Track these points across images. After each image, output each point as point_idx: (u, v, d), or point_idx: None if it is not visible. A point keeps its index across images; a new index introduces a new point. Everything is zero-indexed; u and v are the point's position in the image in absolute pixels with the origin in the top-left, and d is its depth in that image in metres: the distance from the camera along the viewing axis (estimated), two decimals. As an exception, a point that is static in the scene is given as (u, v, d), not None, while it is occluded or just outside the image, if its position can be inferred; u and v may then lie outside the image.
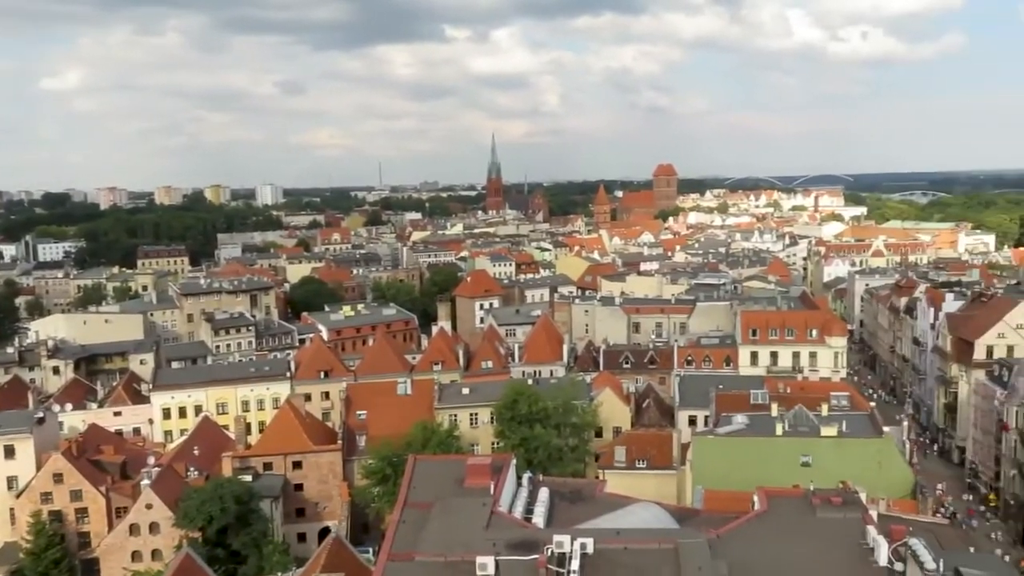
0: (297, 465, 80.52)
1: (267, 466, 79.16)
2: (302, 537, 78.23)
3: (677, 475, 72.53)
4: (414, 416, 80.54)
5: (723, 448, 65.94)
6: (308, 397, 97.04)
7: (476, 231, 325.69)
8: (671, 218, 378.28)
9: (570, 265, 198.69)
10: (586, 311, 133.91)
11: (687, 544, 36.29)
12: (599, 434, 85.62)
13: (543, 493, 45.42)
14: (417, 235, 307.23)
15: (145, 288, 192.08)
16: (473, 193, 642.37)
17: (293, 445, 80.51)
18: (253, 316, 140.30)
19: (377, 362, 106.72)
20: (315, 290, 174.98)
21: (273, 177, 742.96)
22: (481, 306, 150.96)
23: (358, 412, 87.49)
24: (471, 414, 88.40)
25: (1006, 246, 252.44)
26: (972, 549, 67.56)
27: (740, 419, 70.85)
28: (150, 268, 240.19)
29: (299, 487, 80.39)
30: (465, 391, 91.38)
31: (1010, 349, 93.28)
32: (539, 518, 42.00)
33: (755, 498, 44.67)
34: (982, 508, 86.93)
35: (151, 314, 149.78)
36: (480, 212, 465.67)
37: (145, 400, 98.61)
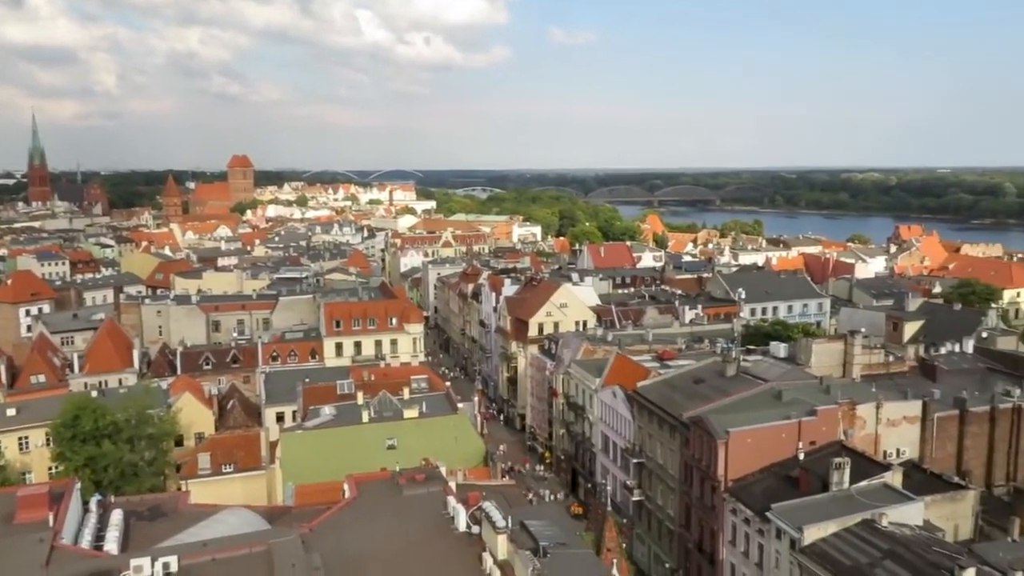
0: None
1: None
2: None
3: (267, 474, 70.98)
4: (-59, 449, 67.06)
5: (312, 441, 66.06)
6: None
7: (16, 226, 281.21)
8: (249, 211, 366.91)
9: (137, 262, 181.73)
10: (159, 312, 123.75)
11: (279, 544, 35.65)
12: (180, 443, 79.96)
13: (116, 516, 41.18)
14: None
15: None
16: (11, 182, 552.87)
17: None
18: None
19: None
20: None
21: None
22: (28, 312, 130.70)
23: None
24: (20, 438, 76.86)
25: (550, 236, 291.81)
26: (533, 500, 77.23)
27: (328, 411, 71.57)
28: None
29: None
30: (11, 412, 78.95)
31: (556, 325, 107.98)
32: (112, 544, 37.99)
33: (345, 486, 45.56)
34: (540, 466, 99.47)
35: None
36: (21, 204, 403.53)
37: None
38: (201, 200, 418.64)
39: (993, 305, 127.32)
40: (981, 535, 55.79)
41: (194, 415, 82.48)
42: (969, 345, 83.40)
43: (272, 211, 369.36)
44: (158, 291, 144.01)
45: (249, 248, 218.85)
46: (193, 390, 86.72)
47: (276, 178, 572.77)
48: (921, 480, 57.91)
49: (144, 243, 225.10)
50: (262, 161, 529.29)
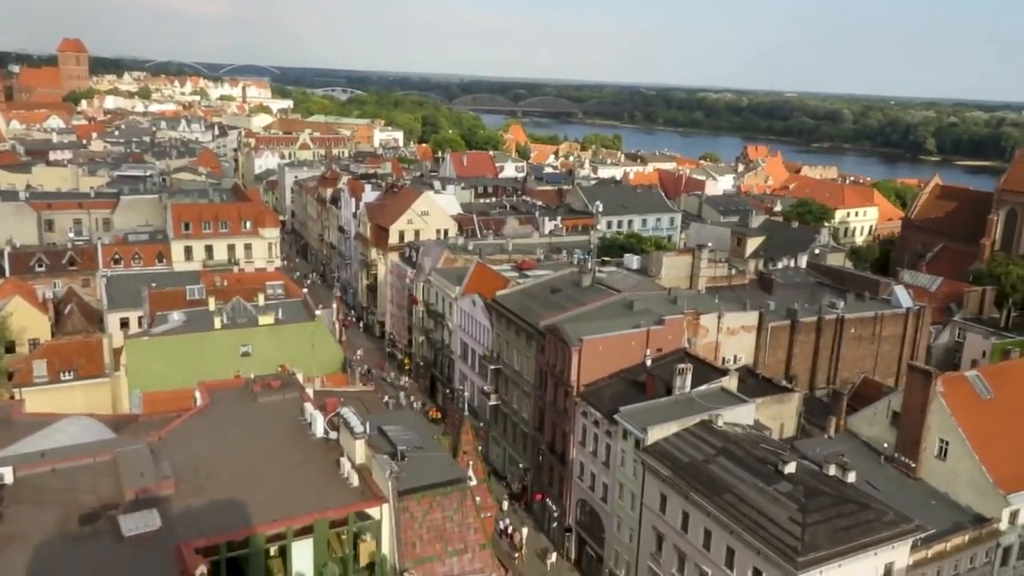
0: None
1: None
2: None
3: (111, 382, 68.03)
4: None
5: (160, 348, 63.44)
6: None
7: None
8: (84, 101, 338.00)
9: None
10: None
11: (125, 452, 34.50)
12: (12, 349, 75.00)
13: (-61, 427, 38.35)
14: None
15: None
16: None
17: None
18: None
19: None
20: None
21: None
22: None
23: None
24: None
25: (412, 142, 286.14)
26: (390, 404, 78.09)
27: (177, 317, 68.72)
28: None
29: None
30: None
31: (417, 233, 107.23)
32: (-64, 457, 35.44)
33: (196, 394, 44.31)
34: (404, 378, 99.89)
35: None
36: None
37: None
38: (28, 87, 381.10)
39: (826, 224, 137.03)
40: (803, 433, 61.42)
41: (26, 320, 77.35)
42: (803, 261, 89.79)
43: (111, 102, 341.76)
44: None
45: (85, 142, 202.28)
46: (24, 293, 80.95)
47: (114, 66, 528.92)
48: (754, 384, 62.67)
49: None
50: (98, 47, 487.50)
